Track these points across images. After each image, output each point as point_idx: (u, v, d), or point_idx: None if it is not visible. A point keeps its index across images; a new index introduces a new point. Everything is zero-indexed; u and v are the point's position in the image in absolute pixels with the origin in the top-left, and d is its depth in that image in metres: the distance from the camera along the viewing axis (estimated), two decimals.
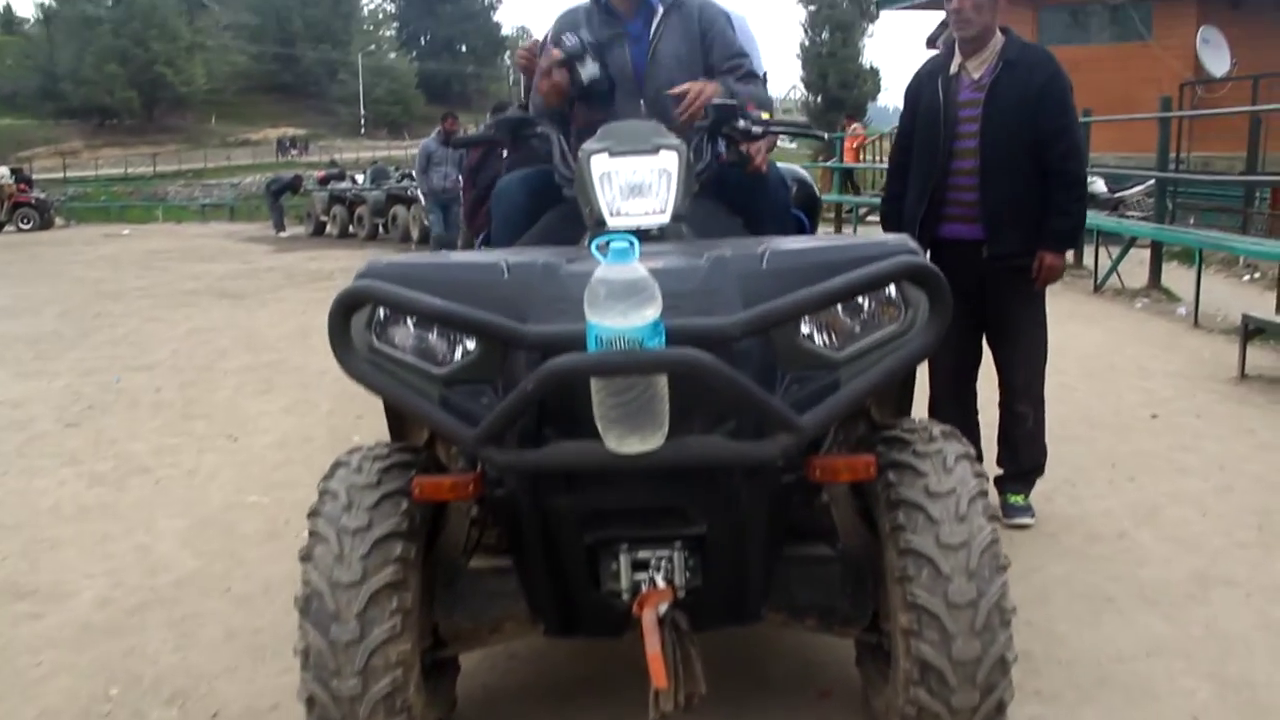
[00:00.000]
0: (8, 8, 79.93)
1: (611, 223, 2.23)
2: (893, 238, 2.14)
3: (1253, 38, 15.76)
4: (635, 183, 2.25)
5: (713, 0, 3.03)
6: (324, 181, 23.16)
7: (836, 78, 38.72)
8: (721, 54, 2.92)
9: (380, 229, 19.85)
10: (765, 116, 2.59)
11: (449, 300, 1.87)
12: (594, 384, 1.75)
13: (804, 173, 3.78)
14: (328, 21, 67.86)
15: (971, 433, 3.79)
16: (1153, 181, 11.22)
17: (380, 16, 77.54)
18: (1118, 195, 13.73)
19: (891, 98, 42.49)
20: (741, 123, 2.61)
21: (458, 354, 2.01)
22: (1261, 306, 7.58)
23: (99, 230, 27.70)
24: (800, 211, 3.28)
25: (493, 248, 2.82)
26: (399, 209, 18.94)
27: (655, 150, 2.27)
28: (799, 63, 40.95)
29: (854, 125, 20.66)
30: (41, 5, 67.90)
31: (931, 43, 22.59)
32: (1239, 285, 10.12)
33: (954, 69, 3.68)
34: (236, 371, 7.35)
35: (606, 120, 2.58)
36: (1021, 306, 3.74)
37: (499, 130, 2.77)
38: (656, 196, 2.25)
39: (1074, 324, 7.85)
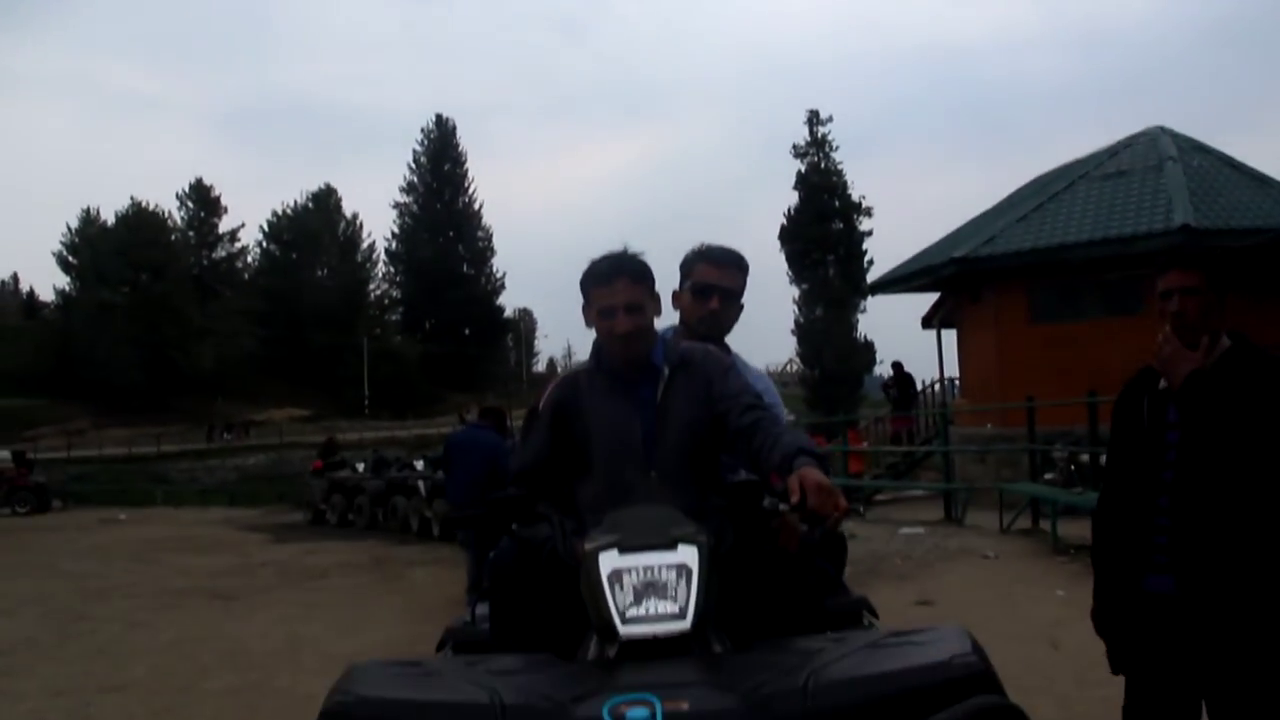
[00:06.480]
0: (30, 293, 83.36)
1: (624, 631, 1.91)
2: (955, 645, 1.79)
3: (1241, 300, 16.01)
4: (650, 582, 1.94)
5: (714, 353, 2.72)
6: (320, 469, 23.11)
7: (832, 352, 39.39)
8: (722, 392, 2.55)
9: (379, 518, 19.48)
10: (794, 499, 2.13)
11: None
12: None
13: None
14: (335, 307, 70.04)
15: None
16: None
17: (386, 302, 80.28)
18: None
19: (885, 368, 42.60)
20: (766, 501, 2.31)
21: None
22: None
23: (96, 514, 27.43)
24: (825, 561, 3.00)
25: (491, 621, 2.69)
26: (399, 499, 18.61)
27: (673, 545, 1.96)
28: (794, 338, 41.84)
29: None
30: (61, 292, 70.59)
31: (927, 322, 22.97)
32: None
33: (1163, 383, 2.99)
34: (216, 695, 6.76)
35: (613, 492, 2.36)
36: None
37: (492, 512, 2.50)
38: (675, 599, 1.93)
39: None
